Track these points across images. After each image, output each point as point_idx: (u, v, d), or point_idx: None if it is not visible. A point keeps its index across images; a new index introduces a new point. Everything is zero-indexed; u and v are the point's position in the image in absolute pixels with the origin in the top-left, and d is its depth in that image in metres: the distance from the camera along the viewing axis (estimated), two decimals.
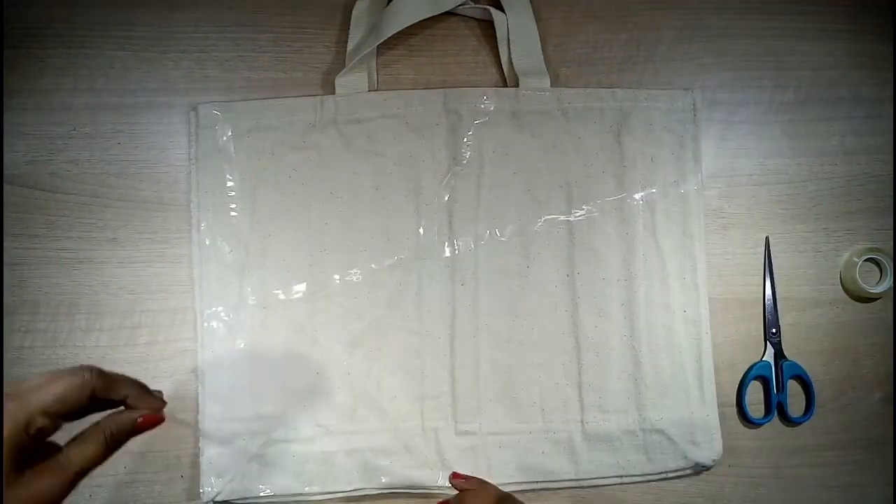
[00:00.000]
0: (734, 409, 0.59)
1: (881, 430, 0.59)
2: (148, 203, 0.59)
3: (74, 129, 0.59)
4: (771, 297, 0.60)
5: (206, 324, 0.56)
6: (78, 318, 0.58)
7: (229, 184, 0.57)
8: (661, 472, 0.57)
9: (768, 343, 0.60)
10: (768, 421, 0.59)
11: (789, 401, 0.59)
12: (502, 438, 0.56)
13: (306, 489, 0.55)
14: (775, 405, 0.59)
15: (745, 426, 0.59)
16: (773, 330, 0.60)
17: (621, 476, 0.57)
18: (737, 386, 0.59)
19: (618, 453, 0.57)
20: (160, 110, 0.59)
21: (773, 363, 0.59)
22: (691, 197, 0.59)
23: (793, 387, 0.60)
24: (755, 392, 0.60)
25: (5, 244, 0.58)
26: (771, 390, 0.59)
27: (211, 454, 0.55)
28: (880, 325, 0.61)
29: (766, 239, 0.60)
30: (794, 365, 0.59)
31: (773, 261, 0.61)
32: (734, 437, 0.59)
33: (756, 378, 0.59)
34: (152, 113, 0.59)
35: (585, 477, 0.56)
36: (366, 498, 0.57)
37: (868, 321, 0.61)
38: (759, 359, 0.60)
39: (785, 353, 0.60)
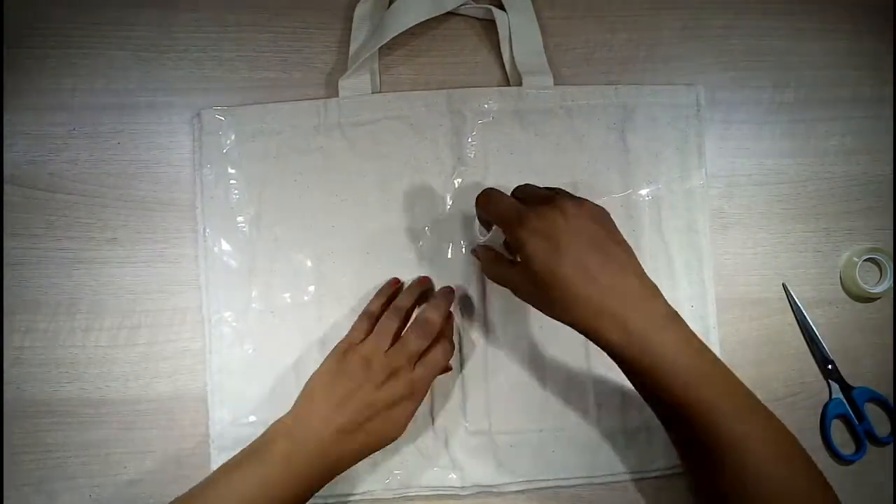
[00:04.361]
0: None
1: (881, 429, 0.59)
2: (148, 203, 0.59)
3: (74, 129, 0.59)
4: (817, 338, 0.60)
5: (214, 329, 0.56)
6: (78, 318, 0.58)
7: (234, 189, 0.57)
8: (673, 468, 0.57)
9: (829, 381, 0.59)
10: (863, 454, 0.59)
11: (874, 423, 0.59)
12: (513, 437, 0.56)
13: (318, 493, 0.55)
14: (864, 436, 0.59)
15: (839, 464, 0.59)
16: (830, 366, 0.59)
17: (633, 473, 0.57)
18: None
19: (630, 450, 0.57)
20: (160, 110, 0.59)
21: (843, 398, 0.59)
22: (696, 192, 0.59)
23: (871, 409, 0.60)
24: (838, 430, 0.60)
25: (5, 244, 0.58)
26: (854, 424, 0.59)
27: (221, 460, 0.55)
28: (880, 325, 0.61)
29: (784, 286, 0.60)
30: (866, 389, 0.59)
31: (773, 260, 0.61)
32: None
33: (835, 417, 0.59)
34: (152, 113, 0.59)
35: (597, 474, 0.56)
36: (378, 501, 0.56)
37: (868, 321, 0.61)
38: (828, 398, 0.59)
39: (842, 374, 0.59)
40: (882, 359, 0.61)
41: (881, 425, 0.59)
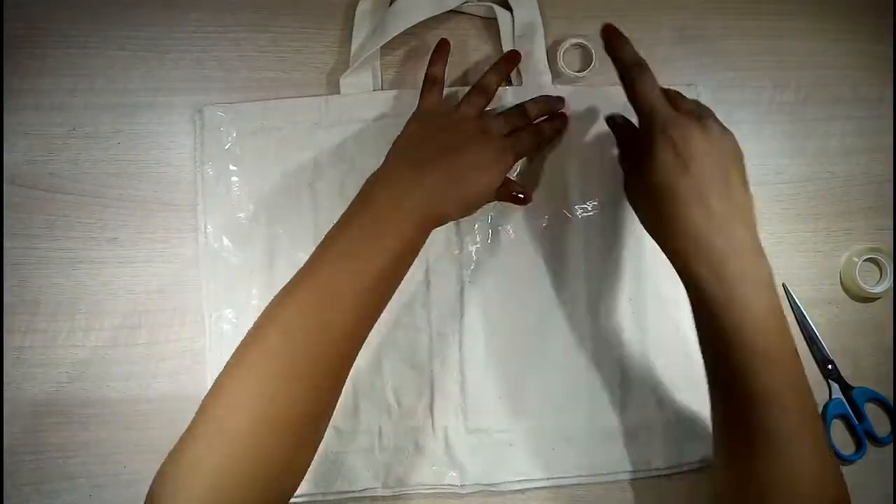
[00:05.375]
0: None
1: (881, 429, 0.59)
2: (148, 203, 0.59)
3: (74, 129, 0.59)
4: (817, 338, 0.60)
5: (214, 327, 0.56)
6: (78, 318, 0.57)
7: (235, 185, 0.57)
8: (672, 467, 0.57)
9: (829, 381, 0.59)
10: (863, 454, 0.58)
11: (873, 423, 0.59)
12: (512, 436, 0.56)
13: (317, 490, 0.55)
14: (864, 436, 0.58)
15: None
16: (830, 366, 0.59)
17: (631, 471, 0.57)
18: None
19: (628, 449, 0.57)
20: (160, 110, 0.59)
21: (843, 398, 0.59)
22: None
23: (871, 409, 0.59)
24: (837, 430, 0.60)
25: (5, 244, 0.58)
26: (854, 424, 0.59)
27: None
28: (880, 325, 0.61)
29: (784, 286, 0.60)
30: (865, 390, 0.59)
31: (773, 260, 0.60)
32: None
33: (835, 417, 0.59)
34: (152, 113, 0.59)
35: (596, 473, 0.56)
36: (377, 498, 0.56)
37: (868, 321, 0.61)
38: (828, 398, 0.59)
39: (842, 374, 0.59)
40: (882, 359, 0.61)
41: (881, 425, 0.59)
